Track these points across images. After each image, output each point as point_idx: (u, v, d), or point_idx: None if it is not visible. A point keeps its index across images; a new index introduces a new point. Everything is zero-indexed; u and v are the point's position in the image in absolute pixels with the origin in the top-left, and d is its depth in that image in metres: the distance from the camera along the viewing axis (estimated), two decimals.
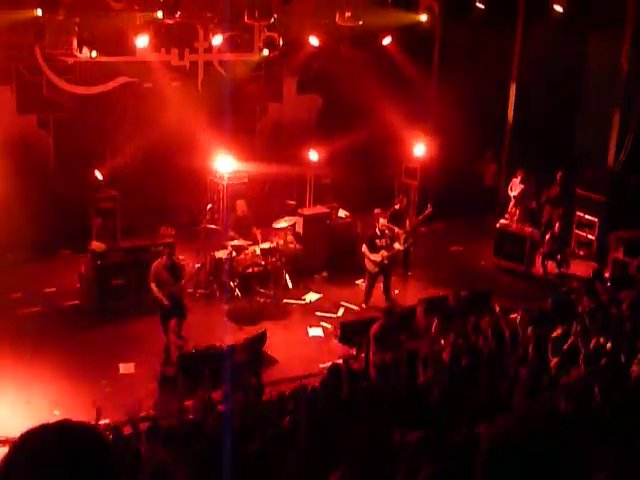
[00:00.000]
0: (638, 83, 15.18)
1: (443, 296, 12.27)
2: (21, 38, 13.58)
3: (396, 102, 15.88)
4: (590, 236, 15.80)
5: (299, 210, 14.96)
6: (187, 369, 10.73)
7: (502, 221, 15.58)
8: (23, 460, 1.76)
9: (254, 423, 8.03)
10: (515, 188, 16.14)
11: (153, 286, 11.35)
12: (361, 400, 8.39)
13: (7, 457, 1.78)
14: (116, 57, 14.27)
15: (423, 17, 16.66)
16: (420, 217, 14.63)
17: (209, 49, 15.31)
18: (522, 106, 17.39)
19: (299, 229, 14.63)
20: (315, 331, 12.61)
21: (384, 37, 16.32)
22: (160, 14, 13.45)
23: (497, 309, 11.07)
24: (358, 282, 14.11)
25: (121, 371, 11.07)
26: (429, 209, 14.23)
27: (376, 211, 13.96)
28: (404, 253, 14.30)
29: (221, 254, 13.42)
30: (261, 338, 11.73)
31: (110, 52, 14.05)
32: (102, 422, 8.45)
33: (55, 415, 9.17)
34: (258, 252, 13.64)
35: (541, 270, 15.02)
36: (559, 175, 15.82)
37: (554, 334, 9.71)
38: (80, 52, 13.36)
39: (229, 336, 11.52)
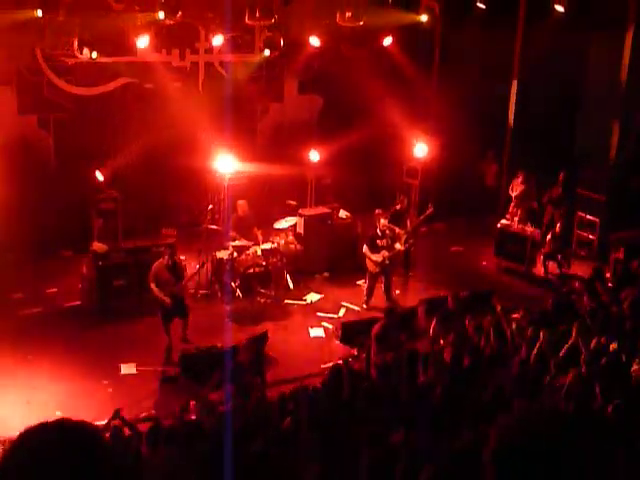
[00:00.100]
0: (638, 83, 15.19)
1: (444, 296, 12.26)
2: (22, 39, 13.54)
3: (397, 102, 15.86)
4: (591, 236, 15.81)
5: (300, 210, 14.93)
6: (189, 369, 10.74)
7: (503, 221, 15.57)
8: (22, 458, 1.76)
9: (255, 423, 8.03)
10: (516, 188, 16.13)
11: (153, 286, 11.39)
12: (362, 400, 8.39)
13: (6, 455, 1.78)
14: (117, 58, 14.29)
15: (424, 17, 16.61)
16: (421, 217, 14.62)
17: (210, 50, 15.33)
18: (523, 106, 17.37)
19: (300, 229, 14.62)
20: (316, 331, 12.61)
21: (385, 37, 16.29)
22: (161, 15, 13.42)
23: (498, 309, 11.07)
24: (359, 282, 14.10)
25: (122, 371, 11.08)
26: (430, 209, 14.20)
27: (377, 211, 13.92)
28: (405, 253, 14.28)
29: (222, 254, 13.41)
30: (262, 338, 11.72)
31: (111, 53, 14.08)
32: (114, 422, 8.43)
33: (57, 416, 9.14)
34: (259, 252, 13.64)
35: (542, 270, 15.01)
36: (561, 175, 15.83)
37: (555, 334, 9.71)
38: (81, 53, 13.35)
39: (230, 336, 11.53)
